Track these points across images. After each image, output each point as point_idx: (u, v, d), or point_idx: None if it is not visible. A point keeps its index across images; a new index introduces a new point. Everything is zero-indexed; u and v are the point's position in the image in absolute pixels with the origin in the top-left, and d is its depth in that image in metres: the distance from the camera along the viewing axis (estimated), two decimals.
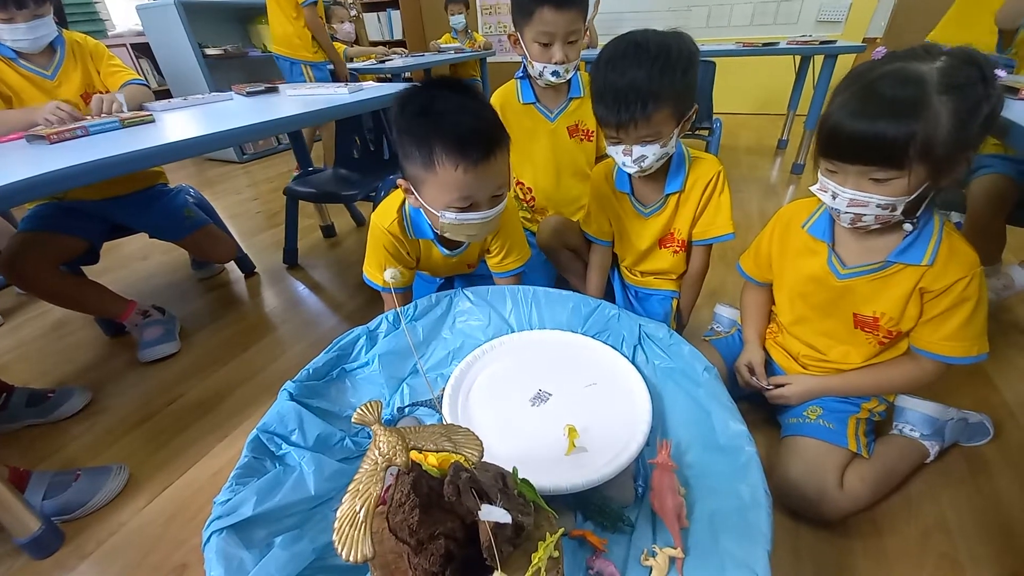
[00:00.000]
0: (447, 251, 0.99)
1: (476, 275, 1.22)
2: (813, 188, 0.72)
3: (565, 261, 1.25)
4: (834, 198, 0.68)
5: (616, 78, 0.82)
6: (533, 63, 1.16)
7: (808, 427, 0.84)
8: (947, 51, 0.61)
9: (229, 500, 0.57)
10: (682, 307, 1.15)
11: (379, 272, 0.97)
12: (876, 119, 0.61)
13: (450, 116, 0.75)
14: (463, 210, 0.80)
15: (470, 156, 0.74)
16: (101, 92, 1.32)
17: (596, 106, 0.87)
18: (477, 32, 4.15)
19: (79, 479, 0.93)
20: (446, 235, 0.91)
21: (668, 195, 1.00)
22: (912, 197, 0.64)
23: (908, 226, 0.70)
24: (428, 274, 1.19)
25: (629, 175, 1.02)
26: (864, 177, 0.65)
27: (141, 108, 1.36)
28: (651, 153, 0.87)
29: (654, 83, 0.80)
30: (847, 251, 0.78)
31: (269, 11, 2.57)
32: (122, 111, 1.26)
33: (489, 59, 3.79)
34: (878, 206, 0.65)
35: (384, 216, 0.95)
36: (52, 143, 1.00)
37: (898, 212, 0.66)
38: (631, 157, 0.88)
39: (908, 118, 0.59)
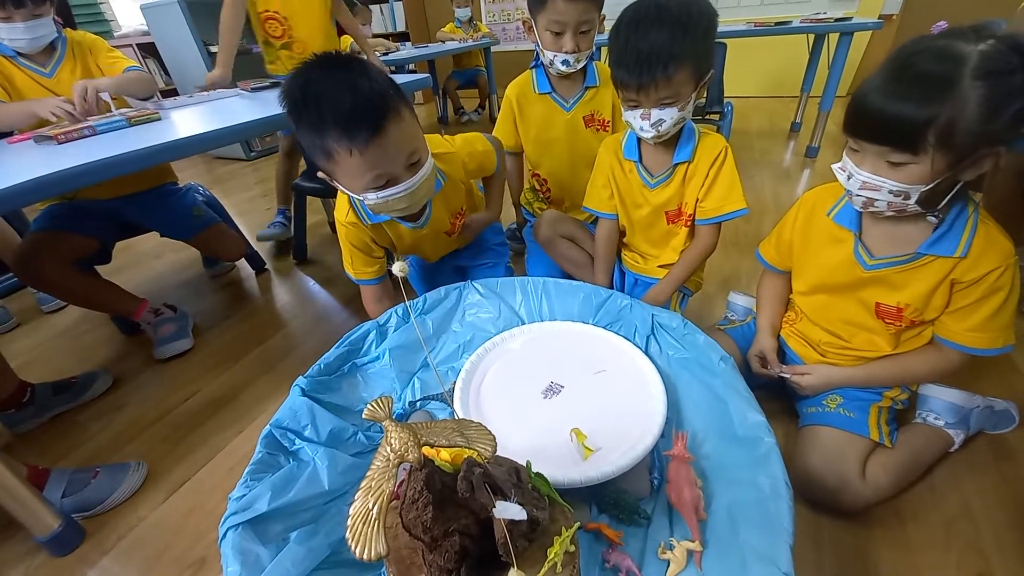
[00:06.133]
0: (412, 224, 0.99)
1: (472, 267, 1.22)
2: (835, 165, 0.70)
3: (563, 249, 1.24)
4: (849, 179, 0.67)
5: (638, 39, 0.81)
6: (545, 51, 1.15)
7: (828, 416, 0.82)
8: (998, 35, 0.57)
9: (244, 496, 0.57)
10: (668, 279, 1.06)
11: (351, 267, 1.02)
12: (898, 97, 0.58)
13: (329, 100, 0.71)
14: (382, 188, 0.78)
15: (359, 137, 0.71)
16: None
17: (616, 69, 0.86)
18: (481, 22, 4.10)
19: (98, 476, 0.95)
20: (381, 215, 0.89)
21: (676, 165, 0.98)
22: (928, 187, 0.62)
23: (932, 219, 0.68)
24: (420, 256, 1.19)
25: (638, 143, 1.01)
26: (881, 159, 0.62)
27: (147, 99, 1.36)
28: (669, 117, 0.86)
29: (676, 43, 0.79)
30: (875, 241, 0.75)
31: None
32: (108, 104, 1.24)
33: (494, 48, 3.74)
34: (890, 192, 0.63)
35: (341, 210, 0.95)
36: (60, 143, 1.01)
37: (911, 201, 0.63)
38: (649, 121, 0.87)
39: (931, 99, 0.56)
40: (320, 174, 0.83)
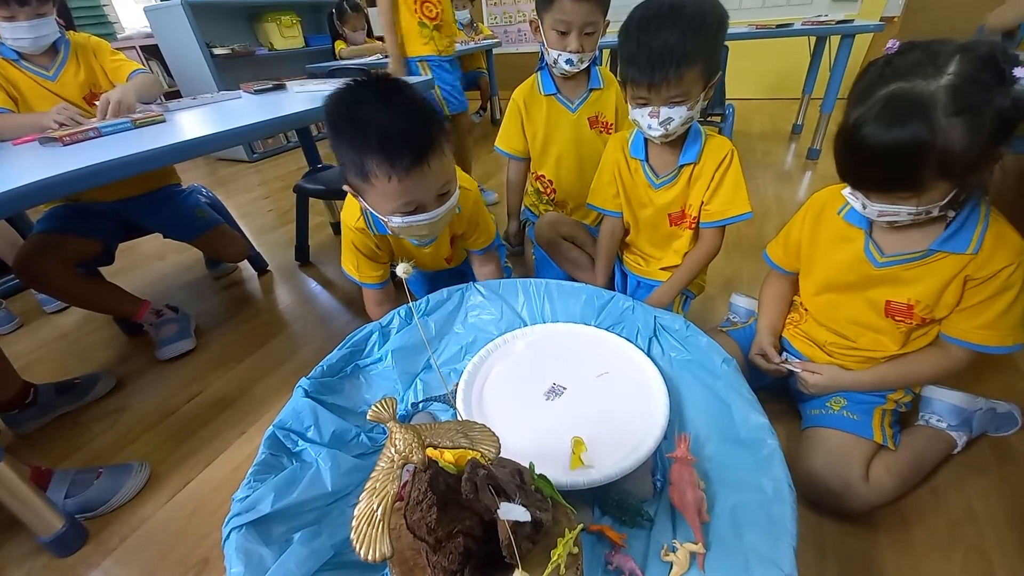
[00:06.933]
0: (417, 242, 1.00)
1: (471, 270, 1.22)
2: (845, 192, 0.71)
3: (564, 251, 1.26)
4: (864, 207, 0.68)
5: (650, 38, 0.81)
6: (550, 50, 1.17)
7: (831, 418, 0.82)
8: (958, 55, 0.56)
9: (247, 497, 0.57)
10: (671, 281, 1.07)
11: (353, 268, 1.02)
12: (884, 159, 0.60)
13: (376, 123, 0.72)
14: (409, 214, 0.79)
15: (401, 165, 0.72)
16: (107, 91, 1.33)
17: (627, 68, 0.86)
18: (483, 24, 4.11)
19: (101, 477, 0.95)
20: (399, 236, 0.90)
21: (682, 166, 0.98)
22: (943, 202, 0.63)
23: (951, 213, 0.68)
24: (417, 267, 1.18)
25: (645, 143, 1.01)
26: (890, 196, 0.64)
27: (153, 101, 1.37)
28: (677, 116, 0.87)
29: (688, 42, 0.80)
30: (885, 239, 0.75)
31: None
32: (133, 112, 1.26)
33: (495, 50, 3.75)
34: (909, 214, 0.65)
35: (350, 214, 0.96)
36: (65, 145, 1.01)
37: (934, 213, 0.64)
38: (658, 119, 0.87)
39: (916, 151, 0.57)
40: (346, 187, 0.84)
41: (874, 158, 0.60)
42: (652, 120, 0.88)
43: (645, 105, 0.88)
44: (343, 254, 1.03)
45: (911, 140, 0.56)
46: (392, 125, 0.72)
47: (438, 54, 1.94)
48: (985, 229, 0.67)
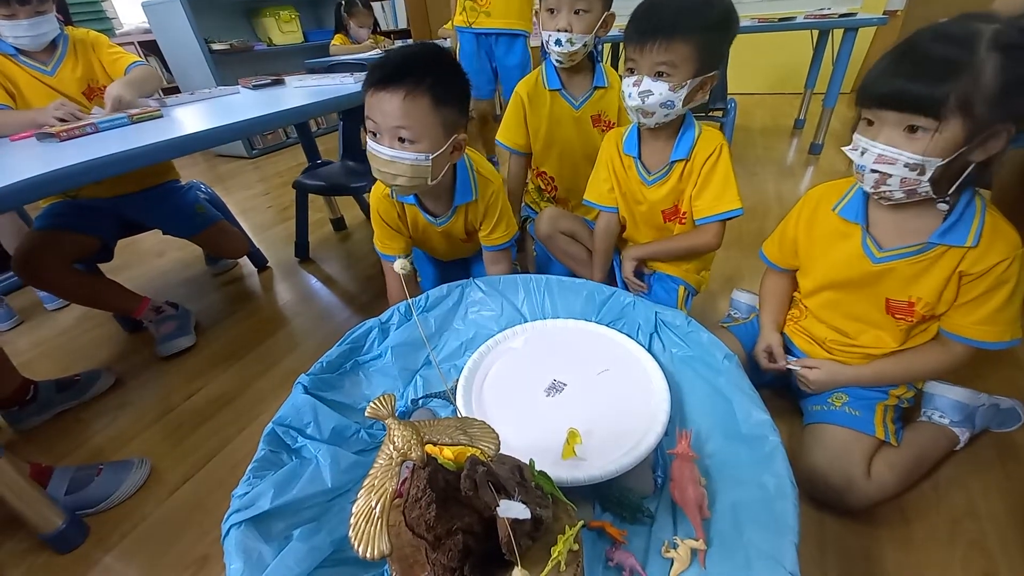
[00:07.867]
0: (432, 219, 1.03)
1: (476, 262, 1.23)
2: (845, 149, 0.70)
3: (564, 245, 1.25)
4: (862, 154, 0.66)
5: (653, 8, 0.85)
6: (543, 33, 1.17)
7: (833, 414, 0.82)
8: (1007, 19, 0.59)
9: (247, 493, 0.57)
10: (657, 242, 1.09)
11: (378, 241, 1.08)
12: (919, 65, 0.60)
13: (404, 51, 0.82)
14: (373, 138, 0.84)
15: (373, 76, 0.80)
16: (105, 85, 1.32)
17: (627, 27, 0.88)
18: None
19: (101, 473, 0.95)
20: (404, 196, 0.95)
21: (674, 162, 0.98)
22: (943, 162, 0.61)
23: (942, 206, 0.67)
24: (429, 253, 1.21)
25: (638, 140, 1.01)
26: (898, 128, 0.63)
27: (153, 94, 1.37)
28: (657, 91, 0.87)
29: (691, 17, 0.82)
30: (883, 233, 0.74)
31: None
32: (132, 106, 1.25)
33: None
34: (906, 165, 0.63)
35: (378, 184, 1.00)
36: (62, 140, 1.01)
37: (925, 178, 0.63)
38: (638, 89, 0.88)
39: (950, 66, 0.58)
40: None
41: (913, 54, 0.61)
42: (633, 89, 0.88)
43: (632, 73, 0.89)
44: (374, 230, 1.07)
45: (955, 48, 0.58)
46: (406, 53, 0.81)
47: (468, 25, 1.97)
48: (982, 222, 0.66)
